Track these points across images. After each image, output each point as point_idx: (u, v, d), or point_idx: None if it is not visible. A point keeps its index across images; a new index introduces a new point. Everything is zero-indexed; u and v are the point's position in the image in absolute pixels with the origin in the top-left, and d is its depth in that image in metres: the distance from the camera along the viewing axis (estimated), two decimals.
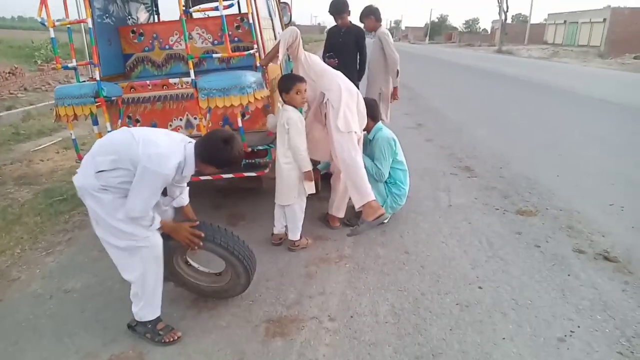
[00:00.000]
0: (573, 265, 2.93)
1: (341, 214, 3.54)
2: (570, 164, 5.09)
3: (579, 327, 2.31)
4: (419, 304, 2.55)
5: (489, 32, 64.63)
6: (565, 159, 5.30)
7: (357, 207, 3.21)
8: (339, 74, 3.27)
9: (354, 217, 3.53)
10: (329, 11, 4.96)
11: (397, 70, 4.70)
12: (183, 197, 2.46)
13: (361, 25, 4.95)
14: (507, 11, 42.10)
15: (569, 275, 2.80)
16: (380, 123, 3.60)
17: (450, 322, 2.38)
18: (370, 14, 4.69)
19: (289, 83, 3.02)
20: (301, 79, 3.05)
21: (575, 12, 40.57)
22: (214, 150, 2.13)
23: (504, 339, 2.24)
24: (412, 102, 9.88)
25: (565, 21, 42.22)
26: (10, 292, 2.81)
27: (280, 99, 3.25)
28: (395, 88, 4.83)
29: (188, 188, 2.49)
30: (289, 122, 2.96)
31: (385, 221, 3.52)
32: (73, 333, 2.38)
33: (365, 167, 3.45)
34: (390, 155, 3.49)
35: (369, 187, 3.14)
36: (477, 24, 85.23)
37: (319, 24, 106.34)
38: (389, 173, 3.53)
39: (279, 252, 3.20)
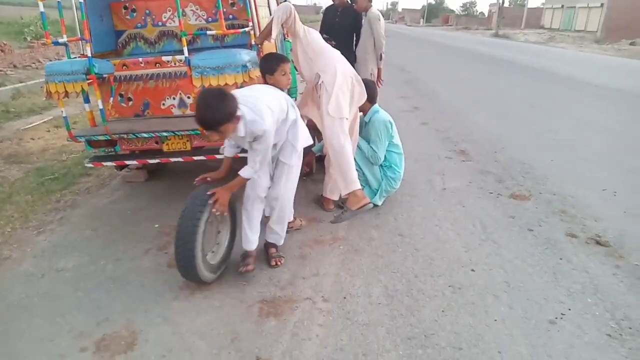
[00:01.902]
0: (565, 249, 2.95)
1: (335, 196, 3.52)
2: (565, 149, 5.10)
3: (569, 309, 2.34)
4: (412, 285, 2.56)
5: (486, 16, 64.09)
6: (560, 144, 5.31)
7: (342, 194, 3.17)
8: (337, 54, 3.20)
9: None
10: None
11: (381, 54, 4.76)
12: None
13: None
14: None
15: (561, 259, 2.83)
16: (377, 105, 3.57)
17: (442, 303, 2.40)
18: None
19: (273, 64, 2.80)
20: (285, 59, 2.88)
21: None
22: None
23: (495, 320, 2.26)
24: (409, 85, 9.82)
25: (562, 6, 41.88)
26: (1, 271, 2.79)
27: None
28: (379, 70, 4.86)
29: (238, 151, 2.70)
30: None
31: (380, 204, 3.52)
32: (66, 312, 2.38)
33: (361, 149, 3.43)
34: (386, 138, 3.46)
35: (355, 175, 3.07)
36: (474, 7, 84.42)
37: (314, 4, 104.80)
38: (385, 156, 3.51)
39: None
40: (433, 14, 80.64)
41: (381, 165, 3.52)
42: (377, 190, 3.50)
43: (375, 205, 3.48)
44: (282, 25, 3.09)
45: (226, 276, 2.65)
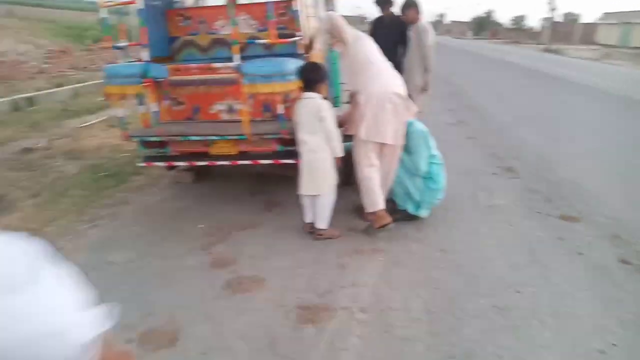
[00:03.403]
0: (617, 275, 2.80)
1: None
2: (618, 172, 4.85)
3: (621, 340, 2.22)
4: (453, 303, 2.50)
5: (537, 30, 62.26)
6: (613, 166, 5.06)
7: (366, 211, 3.27)
8: (381, 70, 3.21)
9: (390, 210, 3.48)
10: (374, 2, 4.92)
11: (428, 67, 4.74)
12: None
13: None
14: (556, 9, 40.40)
15: (612, 286, 2.69)
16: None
17: (485, 324, 2.33)
18: (413, 6, 4.62)
19: (323, 73, 3.08)
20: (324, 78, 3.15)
21: (630, 11, 38.42)
22: None
23: (541, 346, 2.17)
24: (455, 99, 9.65)
25: (618, 21, 40.13)
26: None
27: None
28: (426, 82, 4.85)
29: None
30: (323, 111, 2.93)
31: (424, 216, 3.45)
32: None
33: (402, 161, 3.40)
34: (425, 149, 3.41)
35: (377, 197, 3.18)
36: (524, 20, 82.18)
37: (359, 15, 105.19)
38: None
39: (313, 240, 3.20)
40: (481, 27, 79.10)
41: (423, 177, 3.47)
42: (419, 201, 3.45)
43: (415, 216, 3.42)
44: (328, 34, 3.15)
45: (270, 278, 2.68)
